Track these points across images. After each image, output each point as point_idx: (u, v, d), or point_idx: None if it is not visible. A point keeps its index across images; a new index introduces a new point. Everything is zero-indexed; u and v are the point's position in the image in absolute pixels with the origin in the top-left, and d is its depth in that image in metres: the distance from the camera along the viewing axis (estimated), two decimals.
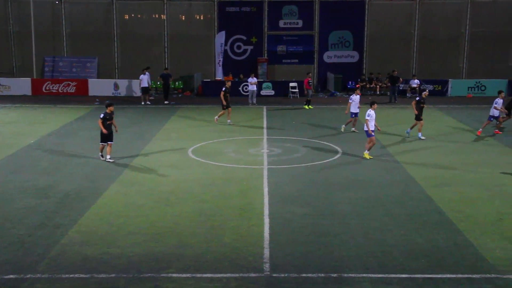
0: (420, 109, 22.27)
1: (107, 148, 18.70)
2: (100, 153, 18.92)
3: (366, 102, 21.42)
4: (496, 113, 23.49)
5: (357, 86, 32.00)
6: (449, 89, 35.90)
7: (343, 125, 24.04)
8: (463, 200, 14.87)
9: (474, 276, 10.47)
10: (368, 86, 36.63)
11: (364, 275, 10.50)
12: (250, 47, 38.37)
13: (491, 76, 36.25)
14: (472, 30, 37.35)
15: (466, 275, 10.49)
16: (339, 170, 17.98)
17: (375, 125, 19.11)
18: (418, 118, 22.37)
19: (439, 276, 10.47)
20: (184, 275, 10.44)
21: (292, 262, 11.02)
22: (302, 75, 33.76)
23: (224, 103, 25.43)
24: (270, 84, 36.03)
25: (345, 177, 17.08)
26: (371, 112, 18.93)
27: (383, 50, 37.94)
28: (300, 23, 38.19)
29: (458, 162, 18.89)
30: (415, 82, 35.07)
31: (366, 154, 19.23)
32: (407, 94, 34.77)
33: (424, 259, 11.21)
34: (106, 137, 18.58)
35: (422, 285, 10.13)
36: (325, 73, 38.46)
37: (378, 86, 36.47)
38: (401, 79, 33.80)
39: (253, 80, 31.97)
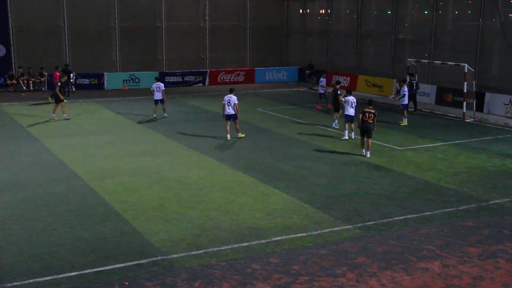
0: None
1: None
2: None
3: None
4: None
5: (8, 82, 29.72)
6: (105, 82, 36.31)
7: None
8: (127, 190, 15.20)
9: (142, 261, 10.77)
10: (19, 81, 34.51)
11: (30, 280, 9.87)
12: None
13: (144, 69, 37.92)
14: (121, 24, 38.24)
15: (135, 262, 10.72)
16: None
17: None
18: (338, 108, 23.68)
19: (109, 267, 10.49)
20: None
21: None
22: None
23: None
24: None
25: None
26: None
27: (33, 43, 36.10)
28: None
29: (117, 153, 19.17)
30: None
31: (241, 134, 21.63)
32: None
33: (93, 253, 11.10)
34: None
35: (92, 280, 10.01)
36: None
37: (31, 82, 34.68)
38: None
39: None
